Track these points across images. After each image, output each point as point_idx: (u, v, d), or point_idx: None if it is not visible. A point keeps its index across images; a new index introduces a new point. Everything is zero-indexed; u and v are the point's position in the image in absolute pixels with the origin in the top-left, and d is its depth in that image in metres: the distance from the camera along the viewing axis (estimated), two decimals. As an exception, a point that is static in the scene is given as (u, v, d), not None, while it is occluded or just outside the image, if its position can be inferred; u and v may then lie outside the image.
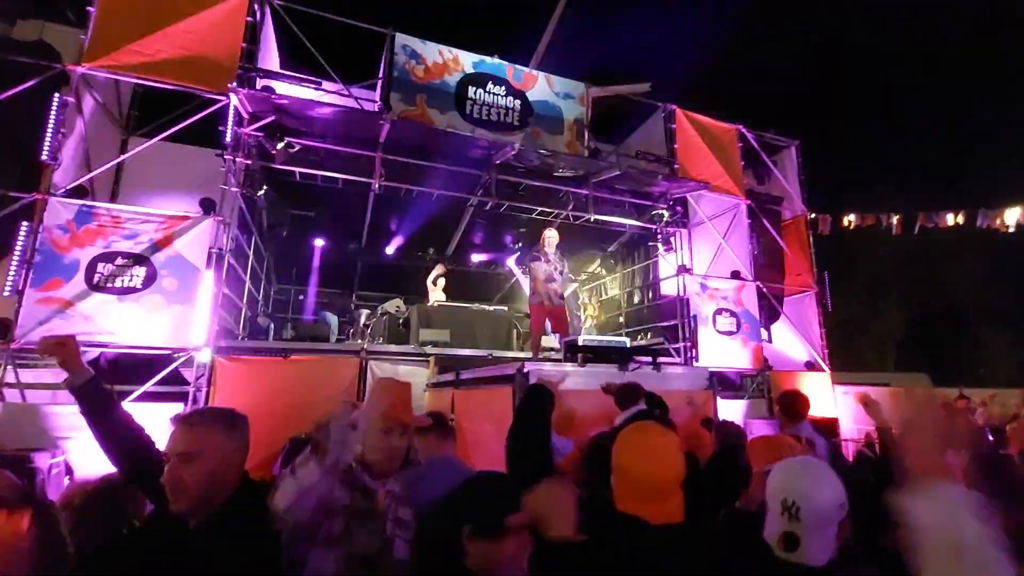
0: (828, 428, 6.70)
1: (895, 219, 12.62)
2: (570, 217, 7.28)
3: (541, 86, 7.30)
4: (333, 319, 7.98)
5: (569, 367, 3.70)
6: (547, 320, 5.71)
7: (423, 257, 9.33)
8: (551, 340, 6.01)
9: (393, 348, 6.17)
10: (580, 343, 4.24)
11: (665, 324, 7.72)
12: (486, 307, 8.30)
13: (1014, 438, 3.07)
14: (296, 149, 5.76)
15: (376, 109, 6.37)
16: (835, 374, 8.38)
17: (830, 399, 7.94)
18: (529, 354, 5.94)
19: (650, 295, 8.41)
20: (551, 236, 5.99)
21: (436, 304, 7.62)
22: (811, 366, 8.36)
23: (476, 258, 9.94)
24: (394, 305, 7.74)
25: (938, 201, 12.81)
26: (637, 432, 1.65)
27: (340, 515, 1.52)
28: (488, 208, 6.68)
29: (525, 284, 7.59)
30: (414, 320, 6.97)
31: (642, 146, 8.05)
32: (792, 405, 3.06)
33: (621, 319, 9.18)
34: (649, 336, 8.04)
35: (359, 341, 7.04)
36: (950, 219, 12.29)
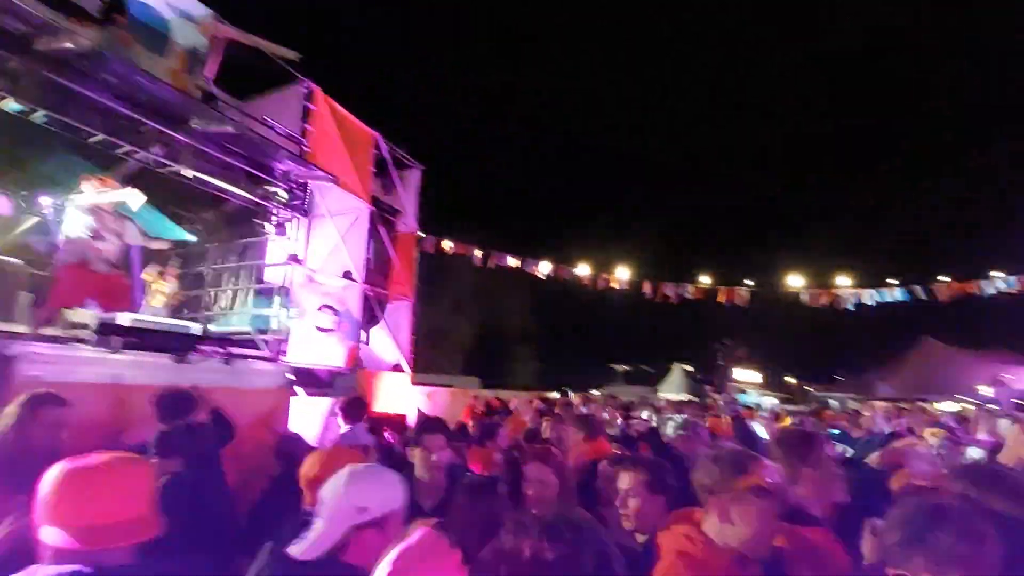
0: (398, 422, 7.42)
1: (478, 253, 15.60)
2: (152, 162, 5.70)
3: (149, -16, 5.55)
4: None
5: (91, 352, 2.70)
6: (86, 289, 4.17)
7: None
8: (83, 315, 4.42)
9: None
10: (125, 323, 3.22)
11: (260, 313, 6.97)
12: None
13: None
14: None
15: None
16: (415, 375, 9.55)
17: (408, 397, 8.88)
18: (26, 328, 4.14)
19: (252, 279, 7.48)
20: (103, 188, 4.49)
21: None
22: (397, 367, 9.21)
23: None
24: None
25: (508, 245, 16.75)
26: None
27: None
28: (16, 113, 4.51)
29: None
30: None
31: (272, 116, 7.19)
32: (353, 408, 3.28)
33: (207, 301, 7.82)
34: (236, 324, 7.10)
35: None
36: (511, 261, 16.11)
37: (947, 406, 16.89)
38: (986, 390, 16.13)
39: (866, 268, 16.36)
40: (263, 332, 6.51)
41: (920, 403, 15.52)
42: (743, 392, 29.71)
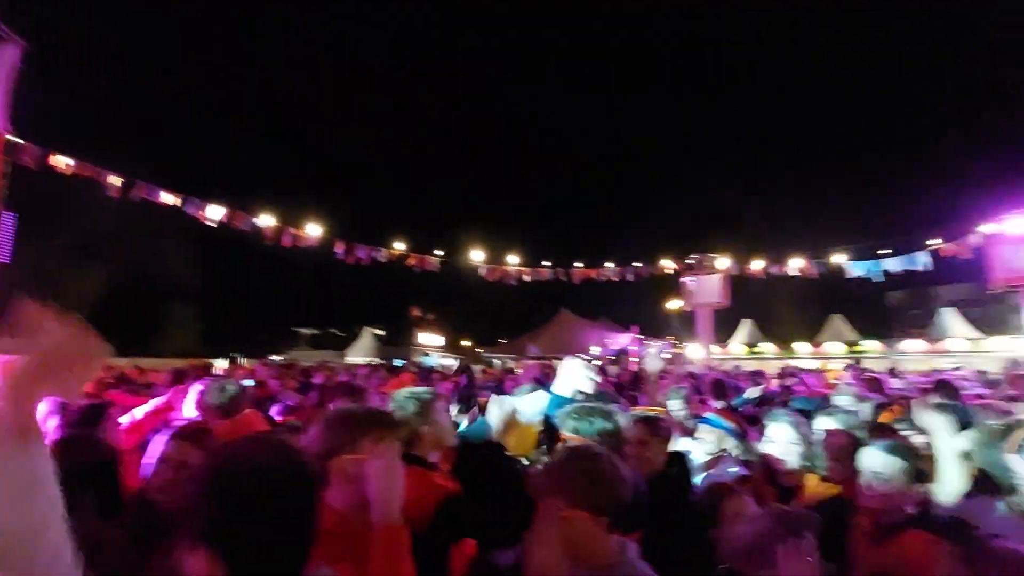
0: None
1: (115, 180, 11.76)
2: None
3: None
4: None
5: None
6: None
7: None
8: None
9: None
10: None
11: None
12: None
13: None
14: None
15: None
16: None
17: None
18: None
19: None
20: None
21: None
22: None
23: None
24: None
25: (166, 177, 13.11)
26: None
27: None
28: None
29: None
30: None
31: None
32: None
33: None
34: None
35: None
36: (167, 198, 12.73)
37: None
38: (595, 350, 21.40)
39: (528, 251, 19.41)
40: None
41: (556, 360, 19.56)
42: (427, 355, 31.96)
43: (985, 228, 14.86)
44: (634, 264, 19.52)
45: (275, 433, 2.83)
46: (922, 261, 15.70)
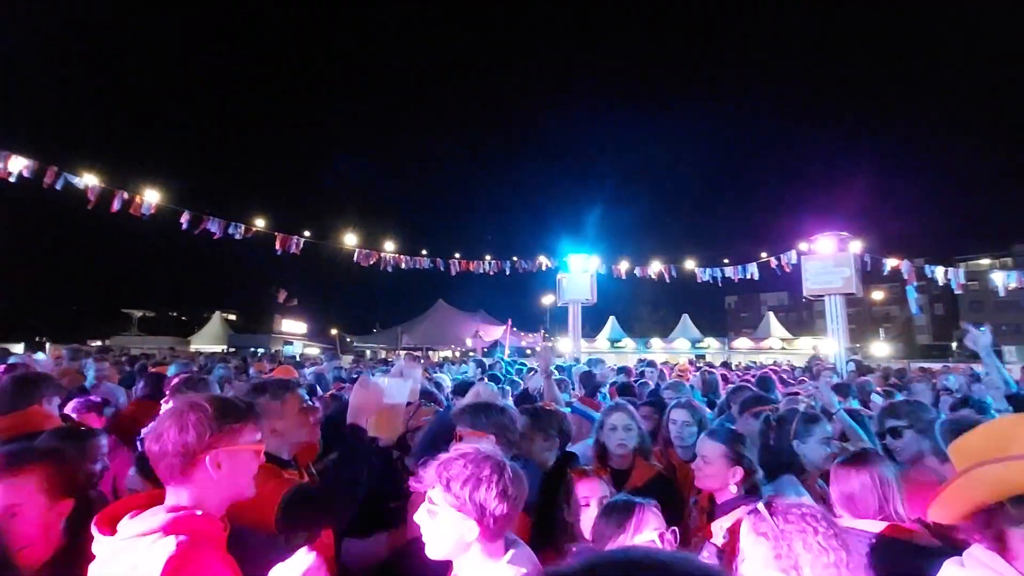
0: None
1: None
2: None
3: None
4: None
5: None
6: None
7: None
8: None
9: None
10: None
11: None
12: None
13: None
14: None
15: None
16: None
17: None
18: None
19: None
20: None
21: None
22: None
23: None
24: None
25: None
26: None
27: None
28: None
29: None
30: None
31: None
32: None
33: None
34: None
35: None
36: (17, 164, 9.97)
37: (445, 353, 21.61)
38: (468, 342, 21.45)
39: (406, 237, 18.77)
40: None
41: (430, 351, 19.22)
42: (289, 343, 29.49)
43: (801, 246, 17.58)
44: (512, 259, 19.86)
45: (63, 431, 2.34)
46: (752, 271, 18.13)
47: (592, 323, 25.23)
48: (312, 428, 2.07)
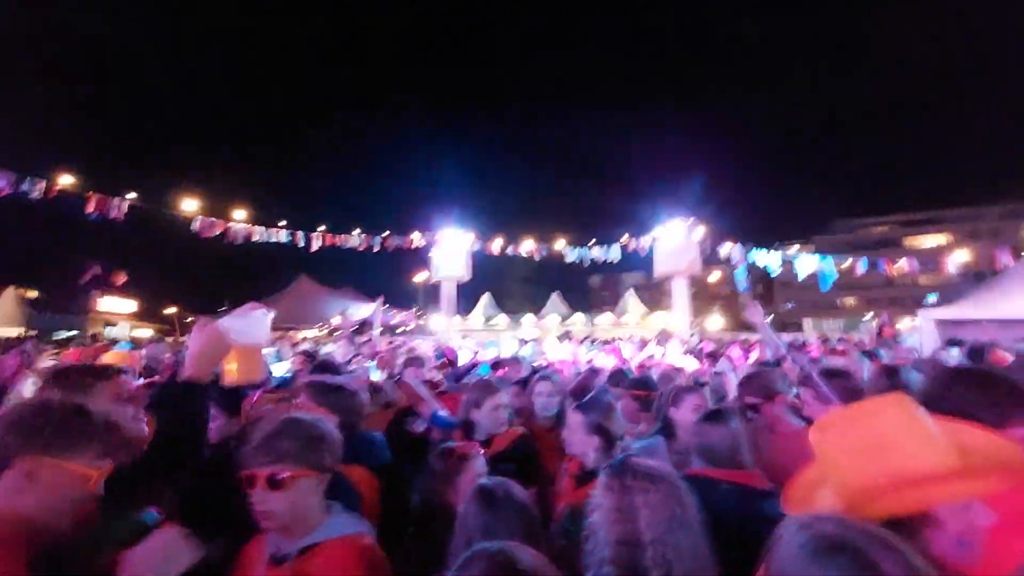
0: None
1: None
2: None
3: None
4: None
5: None
6: None
7: None
8: None
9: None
10: None
11: None
12: None
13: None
14: None
15: None
16: None
17: None
18: None
19: None
20: None
21: None
22: None
23: None
24: None
25: None
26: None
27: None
28: None
29: None
30: None
31: None
32: None
33: None
34: None
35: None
36: None
37: (310, 333, 20.08)
38: (336, 320, 20.15)
39: (262, 206, 16.91)
40: None
41: (291, 331, 17.67)
42: (113, 325, 25.17)
43: (655, 231, 19.27)
44: (382, 235, 18.95)
45: None
46: (614, 252, 19.50)
47: (466, 300, 25.30)
48: None
